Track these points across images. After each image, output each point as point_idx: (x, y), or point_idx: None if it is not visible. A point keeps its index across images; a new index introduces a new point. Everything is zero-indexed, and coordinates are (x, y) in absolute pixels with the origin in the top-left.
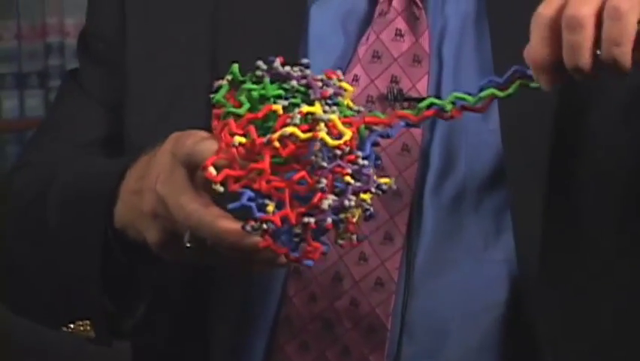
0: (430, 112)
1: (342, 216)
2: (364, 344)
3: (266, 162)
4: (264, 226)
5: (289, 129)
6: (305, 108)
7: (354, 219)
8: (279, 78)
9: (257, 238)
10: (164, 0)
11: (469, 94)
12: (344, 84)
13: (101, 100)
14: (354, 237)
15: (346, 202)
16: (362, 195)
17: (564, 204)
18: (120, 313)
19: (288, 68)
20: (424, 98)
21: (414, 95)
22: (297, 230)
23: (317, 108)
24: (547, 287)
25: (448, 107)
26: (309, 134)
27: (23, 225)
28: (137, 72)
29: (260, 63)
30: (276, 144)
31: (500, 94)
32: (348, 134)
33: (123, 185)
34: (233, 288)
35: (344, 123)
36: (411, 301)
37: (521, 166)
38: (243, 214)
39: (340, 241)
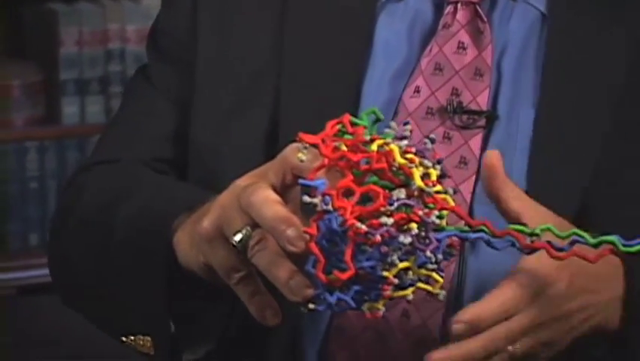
0: (543, 244)
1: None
2: (414, 357)
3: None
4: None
5: (383, 220)
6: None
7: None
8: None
9: (305, 237)
10: (235, 2)
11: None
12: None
13: (169, 96)
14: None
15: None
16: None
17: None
18: (183, 347)
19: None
20: (482, 112)
21: (474, 108)
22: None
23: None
24: None
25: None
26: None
27: (90, 234)
28: (205, 73)
29: (393, 123)
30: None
31: (621, 247)
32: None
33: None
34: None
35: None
36: None
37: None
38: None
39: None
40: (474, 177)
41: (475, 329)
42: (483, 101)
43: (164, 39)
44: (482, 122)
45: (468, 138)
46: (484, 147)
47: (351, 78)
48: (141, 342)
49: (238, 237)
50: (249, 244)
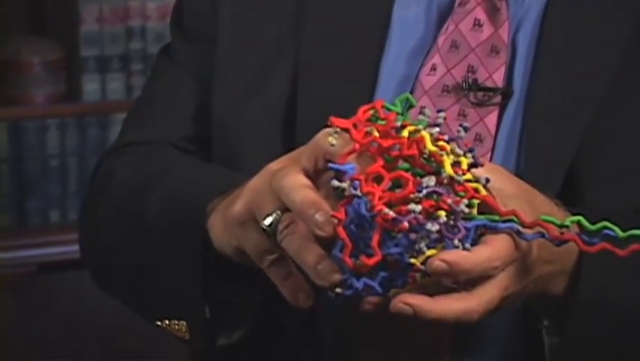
0: (573, 237)
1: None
2: (428, 340)
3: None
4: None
5: (412, 206)
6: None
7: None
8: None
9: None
10: None
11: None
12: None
13: (192, 74)
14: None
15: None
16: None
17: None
18: (218, 332)
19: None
20: (497, 89)
21: (489, 85)
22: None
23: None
24: None
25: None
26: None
27: (121, 218)
28: (226, 49)
29: (428, 111)
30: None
31: None
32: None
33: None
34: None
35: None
36: None
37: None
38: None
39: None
40: (489, 155)
41: (452, 274)
42: (499, 78)
43: (187, 16)
44: (498, 99)
45: (483, 115)
46: (499, 124)
47: (368, 56)
48: (176, 327)
49: (268, 220)
50: (279, 228)
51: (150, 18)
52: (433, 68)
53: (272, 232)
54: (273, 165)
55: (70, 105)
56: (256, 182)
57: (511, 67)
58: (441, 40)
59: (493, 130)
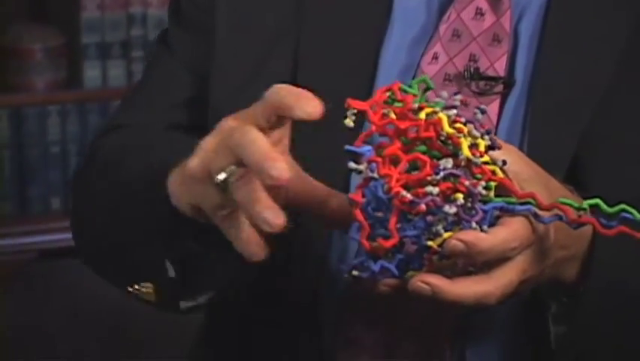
0: (591, 219)
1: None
2: (429, 326)
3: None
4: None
5: (429, 188)
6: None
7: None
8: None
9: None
10: None
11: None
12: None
13: (189, 63)
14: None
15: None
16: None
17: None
18: (186, 293)
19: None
20: (499, 78)
21: (491, 74)
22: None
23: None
24: None
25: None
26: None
27: (99, 189)
28: (224, 39)
29: (444, 93)
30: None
31: None
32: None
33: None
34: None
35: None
36: None
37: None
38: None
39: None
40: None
41: (469, 254)
42: (501, 67)
43: (185, 4)
44: (499, 88)
45: (485, 104)
46: (500, 113)
47: (369, 44)
48: (144, 290)
49: (222, 175)
50: (232, 181)
51: (151, 5)
52: (435, 57)
53: (225, 186)
54: (228, 122)
55: (71, 92)
56: (212, 139)
57: (513, 56)
58: (442, 29)
59: (494, 119)
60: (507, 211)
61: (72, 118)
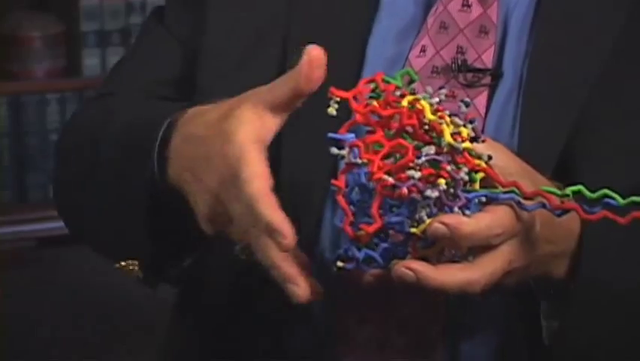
0: (574, 205)
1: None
2: (420, 319)
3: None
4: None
5: (410, 172)
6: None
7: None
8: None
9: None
10: None
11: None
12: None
13: (180, 40)
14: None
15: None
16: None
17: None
18: (166, 261)
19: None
20: (487, 70)
21: (479, 66)
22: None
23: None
24: None
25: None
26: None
27: (79, 154)
28: (217, 20)
29: (429, 88)
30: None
31: None
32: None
33: (181, 127)
34: None
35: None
36: None
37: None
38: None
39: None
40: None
41: (452, 238)
42: (488, 59)
43: None
44: (487, 80)
45: (473, 96)
46: (489, 105)
47: (356, 35)
48: (131, 267)
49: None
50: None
51: None
52: (423, 50)
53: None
54: (243, 112)
55: (71, 80)
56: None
57: (502, 48)
58: (430, 21)
59: (482, 111)
60: (491, 200)
61: (71, 106)
